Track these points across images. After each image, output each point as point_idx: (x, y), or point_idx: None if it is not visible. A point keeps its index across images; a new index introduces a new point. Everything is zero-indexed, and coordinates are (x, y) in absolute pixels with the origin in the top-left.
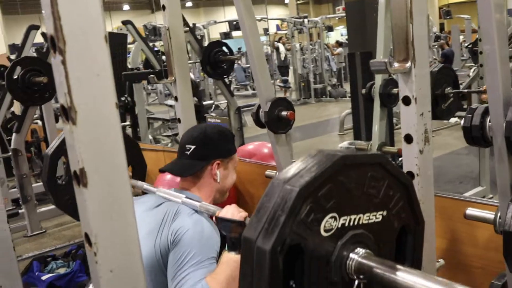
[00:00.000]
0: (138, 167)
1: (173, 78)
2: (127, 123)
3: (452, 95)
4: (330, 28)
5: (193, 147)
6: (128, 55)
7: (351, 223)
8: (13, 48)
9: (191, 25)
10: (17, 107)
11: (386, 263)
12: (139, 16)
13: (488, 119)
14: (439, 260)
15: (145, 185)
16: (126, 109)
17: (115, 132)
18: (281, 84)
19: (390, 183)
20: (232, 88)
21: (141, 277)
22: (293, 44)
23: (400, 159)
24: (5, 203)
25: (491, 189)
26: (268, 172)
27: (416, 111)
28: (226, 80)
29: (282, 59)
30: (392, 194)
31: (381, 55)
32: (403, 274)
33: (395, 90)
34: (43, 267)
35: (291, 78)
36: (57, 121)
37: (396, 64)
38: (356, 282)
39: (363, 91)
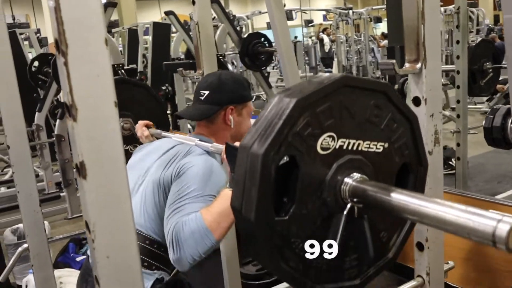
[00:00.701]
0: (161, 125)
1: (201, 72)
2: (168, 111)
3: (491, 70)
4: (378, 19)
5: (207, 92)
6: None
7: (350, 147)
8: None
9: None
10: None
11: (382, 186)
12: (187, 5)
13: (510, 121)
14: (449, 262)
15: (163, 133)
16: (167, 98)
17: (113, 129)
18: None
19: (394, 115)
20: (276, 79)
21: (136, 265)
22: (338, 36)
23: None
24: (49, 186)
25: None
26: None
27: (426, 112)
28: (265, 71)
29: (326, 50)
30: (395, 127)
31: None
32: (398, 196)
33: None
34: (78, 249)
35: (335, 69)
36: None
37: (407, 65)
38: (349, 205)
39: (396, 86)
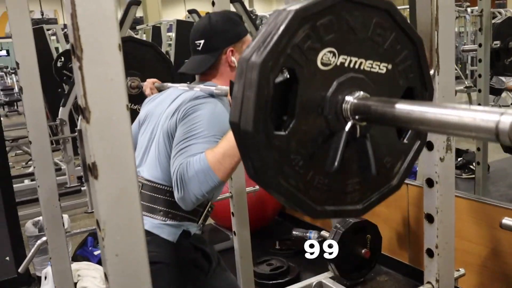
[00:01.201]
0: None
1: None
2: None
3: None
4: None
5: (202, 41)
6: None
7: (352, 65)
8: None
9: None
10: None
11: (384, 99)
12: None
13: None
14: (460, 269)
15: (169, 84)
16: None
17: (124, 131)
18: None
19: (398, 36)
20: None
21: (144, 263)
22: None
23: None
24: (71, 180)
25: None
26: None
27: None
28: None
29: None
30: (399, 48)
31: None
32: (401, 105)
33: None
34: (97, 243)
35: None
36: None
37: None
38: (351, 122)
39: None
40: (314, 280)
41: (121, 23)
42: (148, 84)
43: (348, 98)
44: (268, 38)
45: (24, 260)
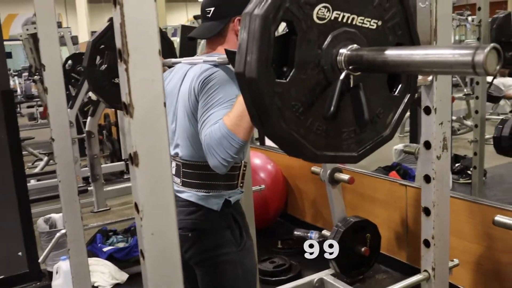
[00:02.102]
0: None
1: None
2: None
3: None
4: None
5: (212, 8)
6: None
7: (345, 20)
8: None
9: None
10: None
11: (374, 48)
12: None
13: None
14: (454, 259)
15: (173, 60)
16: None
17: (162, 125)
18: None
19: None
20: None
21: (175, 240)
22: None
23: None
24: (78, 181)
25: None
26: (313, 169)
27: (435, 120)
28: None
29: None
30: (388, 6)
31: None
32: (390, 51)
33: None
34: (105, 240)
35: None
36: None
37: (420, 77)
38: (345, 72)
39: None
40: (315, 276)
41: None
42: None
43: (342, 50)
44: None
45: (36, 255)
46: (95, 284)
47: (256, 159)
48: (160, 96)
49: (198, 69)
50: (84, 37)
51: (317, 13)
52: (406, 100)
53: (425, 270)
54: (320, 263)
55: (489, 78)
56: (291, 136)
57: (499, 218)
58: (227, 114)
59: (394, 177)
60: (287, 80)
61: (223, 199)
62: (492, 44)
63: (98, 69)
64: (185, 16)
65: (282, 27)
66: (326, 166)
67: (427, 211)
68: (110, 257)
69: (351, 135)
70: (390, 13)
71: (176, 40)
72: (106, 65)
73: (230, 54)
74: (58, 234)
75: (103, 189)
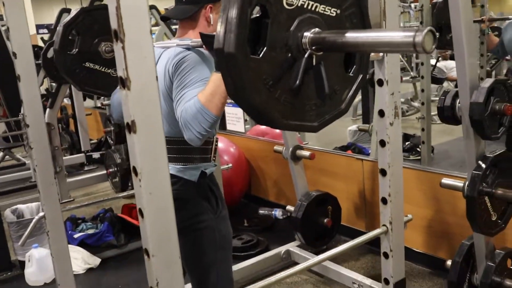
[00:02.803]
0: None
1: None
2: None
3: None
4: None
5: None
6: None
7: (309, 7)
8: (40, 28)
9: None
10: (46, 83)
11: (334, 31)
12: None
13: (458, 101)
14: (408, 215)
15: None
16: None
17: (155, 96)
18: None
19: None
20: None
21: (169, 199)
22: None
23: (407, 143)
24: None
25: None
26: (276, 148)
27: (387, 91)
28: None
29: None
30: None
31: None
32: (348, 34)
33: None
34: (75, 227)
35: None
36: (84, 99)
37: (372, 54)
38: (309, 51)
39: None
40: (282, 249)
41: (55, 28)
42: None
43: (307, 33)
44: None
45: (5, 246)
46: None
47: (220, 142)
48: (153, 71)
49: (172, 52)
50: (32, 30)
51: (287, 0)
52: (359, 79)
53: (384, 225)
54: (286, 237)
55: (433, 61)
56: (261, 106)
57: (445, 180)
58: (201, 92)
59: None
60: (260, 56)
61: (199, 170)
62: (428, 27)
63: (69, 54)
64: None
65: (256, 11)
66: (288, 144)
67: (383, 172)
68: (81, 243)
69: (313, 108)
70: (347, 3)
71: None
72: (77, 50)
73: (205, 37)
74: (36, 217)
75: (66, 180)
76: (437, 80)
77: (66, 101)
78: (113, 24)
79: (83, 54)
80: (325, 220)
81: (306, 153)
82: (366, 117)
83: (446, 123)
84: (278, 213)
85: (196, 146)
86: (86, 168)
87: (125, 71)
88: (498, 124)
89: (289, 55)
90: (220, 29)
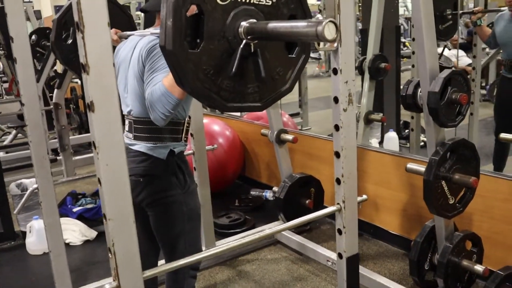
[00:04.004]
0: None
1: None
2: None
3: (451, 17)
4: None
5: None
6: None
7: (243, 0)
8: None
9: None
10: (60, 66)
11: (263, 22)
12: None
13: (419, 90)
14: (363, 195)
15: (128, 32)
16: None
17: (111, 80)
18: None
19: None
20: None
21: (124, 169)
22: None
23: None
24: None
25: None
26: (263, 131)
27: (341, 79)
28: None
29: None
30: None
31: (373, 32)
32: (270, 24)
33: (382, 65)
34: (75, 202)
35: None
36: None
37: (327, 44)
38: (245, 41)
39: (356, 64)
40: (266, 227)
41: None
42: (111, 33)
43: (242, 23)
44: None
45: (10, 217)
46: (67, 241)
47: (215, 125)
48: (109, 58)
49: (146, 40)
50: (48, 12)
51: None
52: (302, 59)
53: (338, 203)
54: (274, 217)
55: (439, 50)
56: (204, 92)
57: (410, 165)
58: (166, 77)
59: None
60: (199, 50)
61: (168, 149)
62: (329, 19)
63: (65, 43)
64: None
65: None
66: (274, 128)
67: (337, 155)
68: (80, 217)
69: (256, 90)
70: None
71: (141, 15)
72: (71, 39)
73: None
74: (30, 189)
75: (72, 159)
76: (443, 69)
77: (78, 82)
78: (75, 17)
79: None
80: (307, 201)
81: (289, 136)
82: None
83: (409, 111)
84: (268, 194)
85: (161, 126)
86: None
87: (85, 58)
88: (456, 113)
89: (228, 45)
90: (160, 28)
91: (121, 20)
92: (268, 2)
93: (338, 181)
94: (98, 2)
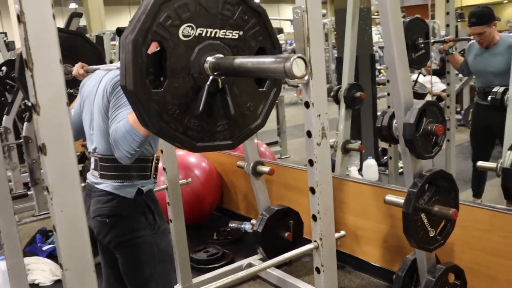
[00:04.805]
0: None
1: None
2: None
3: (423, 45)
4: None
5: None
6: None
7: (208, 35)
8: None
9: None
10: None
11: (230, 57)
12: None
13: (394, 121)
14: (341, 231)
15: (94, 66)
16: None
17: (65, 121)
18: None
19: (244, 9)
20: None
21: (81, 215)
22: None
23: (385, 157)
24: (17, 186)
25: None
26: (239, 163)
27: (313, 113)
28: None
29: None
30: (247, 18)
31: (347, 61)
32: (237, 60)
33: (358, 94)
34: (45, 240)
35: None
36: None
37: (297, 78)
38: (211, 77)
39: (331, 93)
40: (244, 262)
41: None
42: (77, 67)
43: (208, 59)
44: (137, 21)
45: None
46: (36, 282)
47: (191, 157)
48: (62, 97)
49: (111, 74)
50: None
51: (182, 32)
52: (273, 93)
53: (315, 241)
54: (253, 250)
55: (414, 77)
56: (170, 132)
57: (388, 197)
58: (131, 113)
59: None
60: (162, 89)
61: (136, 188)
62: (297, 54)
63: None
64: (128, 19)
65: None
66: (249, 160)
67: (312, 190)
68: (50, 255)
69: (226, 127)
70: (250, 24)
71: (116, 44)
72: None
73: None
74: None
75: (43, 193)
76: (418, 96)
77: None
78: (23, 54)
79: None
80: (286, 234)
81: (266, 168)
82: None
83: (385, 142)
84: (247, 226)
85: (126, 164)
86: None
87: (35, 97)
88: (432, 144)
89: (193, 82)
90: (121, 68)
91: (88, 54)
92: (235, 36)
93: (314, 217)
94: (49, 37)
